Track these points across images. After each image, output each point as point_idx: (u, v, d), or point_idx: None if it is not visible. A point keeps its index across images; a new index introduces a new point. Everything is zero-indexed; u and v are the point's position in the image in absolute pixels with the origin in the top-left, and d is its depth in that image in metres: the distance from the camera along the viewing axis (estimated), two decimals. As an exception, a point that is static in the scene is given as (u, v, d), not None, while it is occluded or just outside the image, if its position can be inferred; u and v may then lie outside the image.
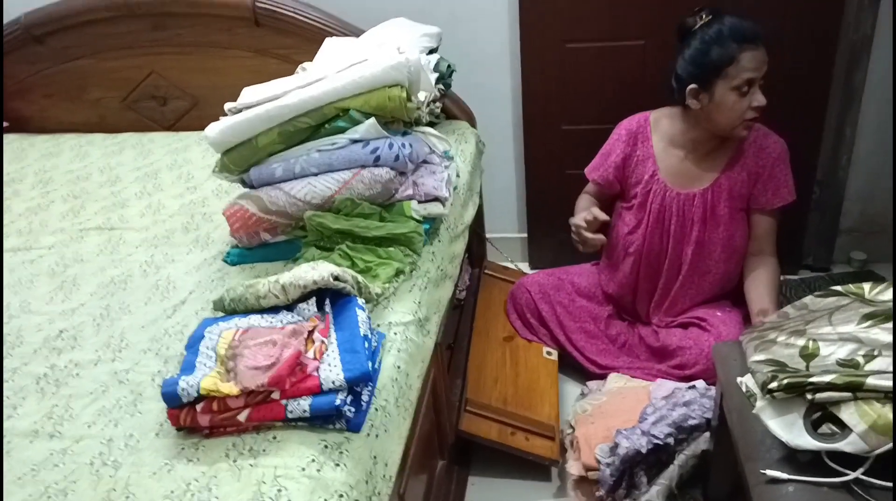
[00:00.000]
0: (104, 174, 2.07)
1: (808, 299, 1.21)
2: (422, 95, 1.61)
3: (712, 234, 1.87)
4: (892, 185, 2.27)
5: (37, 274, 1.56)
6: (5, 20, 2.35)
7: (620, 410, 1.68)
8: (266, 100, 1.44)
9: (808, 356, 1.12)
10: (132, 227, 1.74)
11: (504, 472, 1.77)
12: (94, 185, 2.01)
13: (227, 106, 1.50)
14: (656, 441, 1.51)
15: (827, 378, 1.00)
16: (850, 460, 1.00)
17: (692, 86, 1.73)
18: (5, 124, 2.47)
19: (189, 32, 2.28)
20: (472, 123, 2.26)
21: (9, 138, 2.40)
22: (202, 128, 1.53)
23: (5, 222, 1.82)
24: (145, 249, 1.63)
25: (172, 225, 1.74)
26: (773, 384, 1.05)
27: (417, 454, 1.38)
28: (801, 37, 2.12)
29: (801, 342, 1.15)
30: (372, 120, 1.43)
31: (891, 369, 1.01)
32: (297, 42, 2.20)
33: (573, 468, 1.64)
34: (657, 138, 1.90)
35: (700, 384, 1.66)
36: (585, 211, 1.89)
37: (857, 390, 0.99)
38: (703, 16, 1.72)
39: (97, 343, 1.30)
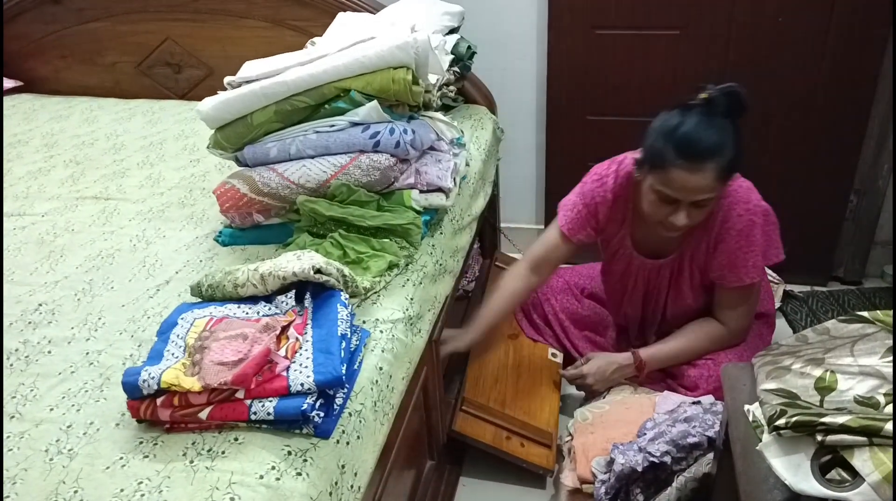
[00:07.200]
0: (110, 141, 2.03)
1: (830, 324, 1.11)
2: (432, 78, 1.52)
3: (678, 303, 1.72)
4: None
5: (26, 242, 1.52)
6: (23, -22, 2.31)
7: (622, 421, 1.59)
8: (265, 75, 1.36)
9: (823, 389, 1.02)
10: (128, 198, 1.69)
11: (497, 475, 1.71)
12: (98, 151, 1.96)
13: (227, 80, 1.43)
14: (652, 459, 1.42)
15: (841, 419, 0.90)
16: (860, 510, 0.90)
17: (639, 153, 1.51)
18: (20, 83, 2.44)
19: (205, -2, 2.22)
20: (492, 109, 2.16)
21: (21, 98, 2.37)
22: (216, 98, 1.46)
23: (5, 185, 1.78)
24: (138, 222, 1.58)
25: (169, 198, 1.68)
26: (781, 421, 0.95)
27: (401, 454, 1.31)
28: (846, 39, 1.98)
29: (817, 372, 1.05)
30: (374, 103, 1.35)
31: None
32: (314, 14, 2.12)
33: (568, 479, 1.56)
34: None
35: (706, 399, 1.56)
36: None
37: (873, 435, 0.89)
38: (702, 96, 1.41)
39: (74, 320, 1.26)
